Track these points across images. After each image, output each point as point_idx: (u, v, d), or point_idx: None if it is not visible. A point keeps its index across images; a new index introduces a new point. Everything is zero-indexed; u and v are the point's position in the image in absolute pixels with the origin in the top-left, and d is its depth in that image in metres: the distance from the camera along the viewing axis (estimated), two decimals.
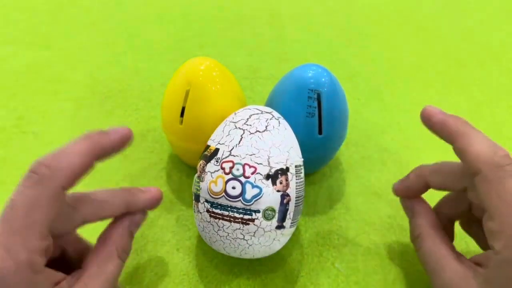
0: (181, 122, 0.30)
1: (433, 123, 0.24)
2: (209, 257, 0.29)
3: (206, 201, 0.25)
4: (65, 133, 0.37)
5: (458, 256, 0.24)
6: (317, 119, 0.29)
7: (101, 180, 0.33)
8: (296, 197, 0.25)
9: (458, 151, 0.23)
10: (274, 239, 0.25)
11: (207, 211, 0.25)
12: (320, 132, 0.29)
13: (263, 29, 0.52)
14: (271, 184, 0.24)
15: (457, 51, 0.50)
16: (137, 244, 0.29)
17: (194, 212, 0.27)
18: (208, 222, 0.25)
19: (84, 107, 0.40)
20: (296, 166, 0.26)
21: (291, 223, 0.25)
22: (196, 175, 0.27)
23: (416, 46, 0.51)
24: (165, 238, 0.30)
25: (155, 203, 0.25)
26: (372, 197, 0.34)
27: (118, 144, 0.23)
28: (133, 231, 0.24)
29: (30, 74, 0.43)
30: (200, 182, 0.26)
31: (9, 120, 0.38)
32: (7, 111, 0.39)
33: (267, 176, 0.24)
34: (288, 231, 0.26)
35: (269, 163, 0.24)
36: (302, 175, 0.26)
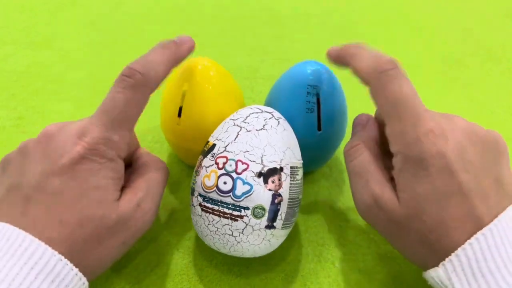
0: (179, 121, 0.30)
1: (330, 56, 0.27)
2: (209, 257, 0.29)
3: (199, 195, 0.25)
4: None
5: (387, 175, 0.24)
6: (316, 115, 0.29)
7: None
8: (289, 199, 0.25)
9: (353, 73, 0.25)
10: (263, 238, 0.25)
11: (199, 204, 0.25)
12: (319, 129, 0.29)
13: (263, 29, 0.52)
14: (262, 183, 0.24)
15: (457, 51, 0.50)
16: (137, 244, 0.29)
17: (190, 206, 0.27)
18: (200, 216, 0.25)
19: (84, 107, 0.40)
20: (292, 167, 0.26)
21: (283, 224, 0.25)
22: (194, 169, 0.27)
23: (416, 46, 0.51)
24: (165, 238, 0.30)
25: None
26: None
27: (187, 53, 0.26)
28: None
29: (30, 74, 0.43)
30: (196, 176, 0.26)
31: (9, 120, 0.38)
32: (7, 111, 0.39)
33: (259, 174, 0.24)
34: (279, 232, 0.25)
35: (262, 161, 0.25)
36: (299, 177, 0.26)
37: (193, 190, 0.26)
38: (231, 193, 0.24)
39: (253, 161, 0.25)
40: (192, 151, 0.30)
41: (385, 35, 0.52)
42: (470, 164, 0.21)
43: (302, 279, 0.28)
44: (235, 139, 0.25)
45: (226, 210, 0.24)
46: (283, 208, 0.25)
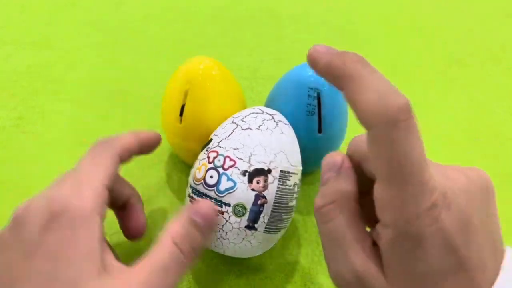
0: (181, 120, 0.30)
1: (319, 68, 0.19)
2: (209, 257, 0.29)
3: (190, 186, 0.26)
4: (65, 133, 0.37)
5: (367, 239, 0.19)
6: (317, 117, 0.29)
7: None
8: (276, 203, 0.25)
9: (348, 101, 0.18)
10: (243, 239, 0.25)
11: (189, 195, 0.26)
12: (320, 131, 0.29)
13: (263, 29, 0.52)
14: (246, 181, 0.24)
15: (457, 51, 0.50)
16: (137, 244, 0.29)
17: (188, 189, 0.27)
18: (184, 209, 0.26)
19: (84, 107, 0.40)
20: (282, 171, 0.25)
21: (266, 228, 0.25)
22: None
23: (416, 46, 0.51)
24: None
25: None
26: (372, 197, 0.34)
27: (151, 143, 0.26)
28: (198, 221, 0.22)
29: (30, 74, 0.43)
30: (192, 168, 0.27)
31: (9, 120, 0.38)
32: (7, 111, 0.39)
33: (244, 172, 0.24)
34: (261, 235, 0.25)
35: (249, 160, 0.25)
36: (291, 183, 0.26)
37: (188, 182, 0.27)
38: (215, 188, 0.24)
39: (241, 159, 0.25)
40: (192, 150, 0.30)
41: (385, 35, 0.52)
42: (472, 234, 0.17)
43: (302, 279, 0.28)
44: (229, 136, 0.26)
45: None
46: (267, 211, 0.25)
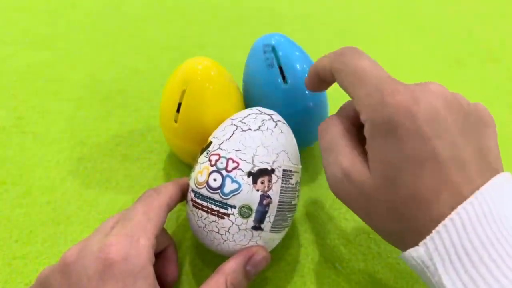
0: (176, 118, 0.30)
1: (307, 84, 0.27)
2: (209, 257, 0.29)
3: (192, 190, 0.26)
4: (65, 133, 0.37)
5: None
6: (277, 68, 0.31)
7: (101, 179, 0.33)
8: (280, 202, 0.25)
9: (321, 77, 0.25)
10: (250, 240, 0.25)
11: (191, 200, 0.26)
12: (284, 81, 0.31)
13: (263, 29, 0.52)
14: (251, 182, 0.24)
15: (457, 51, 0.50)
16: None
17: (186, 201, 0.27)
18: (191, 211, 0.26)
19: (84, 107, 0.40)
20: (285, 170, 0.25)
21: (272, 227, 0.25)
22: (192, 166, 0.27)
23: (416, 46, 0.51)
24: None
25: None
26: None
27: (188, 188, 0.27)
28: (250, 270, 0.24)
29: (30, 74, 0.43)
30: (192, 172, 0.27)
31: (9, 120, 0.38)
32: (7, 111, 0.39)
33: (249, 174, 0.24)
34: (267, 235, 0.25)
35: (253, 161, 0.25)
36: (293, 181, 0.26)
37: (188, 186, 0.27)
38: (219, 190, 0.24)
39: (244, 160, 0.25)
40: (189, 150, 0.30)
41: (385, 35, 0.52)
42: (445, 131, 0.19)
43: (302, 279, 0.28)
44: (229, 138, 0.26)
45: (214, 207, 0.24)
46: (272, 211, 0.25)
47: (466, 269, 0.18)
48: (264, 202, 0.24)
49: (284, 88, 0.31)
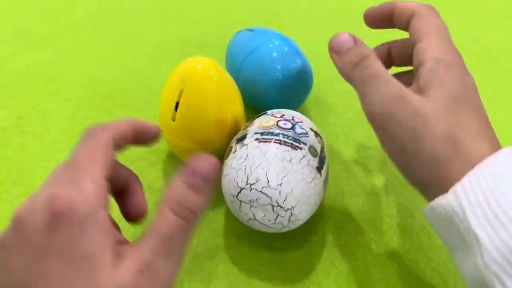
0: (174, 116, 0.30)
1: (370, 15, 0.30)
2: (209, 257, 0.29)
3: (255, 133, 0.28)
4: (65, 133, 0.37)
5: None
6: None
7: None
8: (327, 163, 0.29)
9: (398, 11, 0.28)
10: (313, 179, 0.26)
11: (256, 139, 0.27)
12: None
13: None
14: (314, 135, 0.28)
15: None
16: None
17: (230, 154, 0.27)
18: (255, 148, 0.26)
19: (84, 107, 0.40)
20: (323, 149, 0.29)
21: (324, 180, 0.28)
22: (241, 131, 0.30)
23: None
24: None
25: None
26: (372, 197, 0.34)
27: (148, 134, 0.24)
28: (194, 181, 0.20)
29: (30, 74, 0.43)
30: (247, 128, 0.29)
31: (9, 120, 0.38)
32: (7, 111, 0.39)
33: (311, 129, 0.29)
34: (321, 185, 0.27)
35: (311, 125, 0.30)
36: (326, 156, 0.30)
37: (243, 138, 0.28)
38: (292, 130, 0.28)
39: (305, 121, 0.29)
40: (187, 148, 0.30)
41: (385, 35, 0.52)
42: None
43: (302, 279, 0.28)
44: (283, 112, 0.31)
45: (287, 140, 0.26)
46: (326, 165, 0.28)
47: (495, 213, 0.19)
48: (322, 153, 0.28)
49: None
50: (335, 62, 0.26)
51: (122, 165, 0.25)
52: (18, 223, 0.18)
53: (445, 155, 0.21)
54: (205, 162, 0.20)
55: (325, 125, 0.39)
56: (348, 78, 0.25)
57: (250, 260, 0.29)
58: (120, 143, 0.22)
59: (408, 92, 0.23)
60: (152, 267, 0.18)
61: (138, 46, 0.48)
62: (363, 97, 0.24)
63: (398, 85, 0.23)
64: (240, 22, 0.53)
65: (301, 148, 0.26)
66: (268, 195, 0.25)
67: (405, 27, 0.28)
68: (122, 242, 0.19)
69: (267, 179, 0.25)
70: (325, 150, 0.29)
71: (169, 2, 0.55)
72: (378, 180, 0.35)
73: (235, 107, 0.31)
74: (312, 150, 0.27)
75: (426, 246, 0.30)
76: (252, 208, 0.26)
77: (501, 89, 0.45)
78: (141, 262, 0.18)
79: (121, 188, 0.25)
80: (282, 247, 0.30)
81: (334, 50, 0.26)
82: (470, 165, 0.20)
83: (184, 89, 0.29)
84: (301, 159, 0.26)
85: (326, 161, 0.29)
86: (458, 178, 0.20)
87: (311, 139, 0.28)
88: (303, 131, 0.28)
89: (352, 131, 0.39)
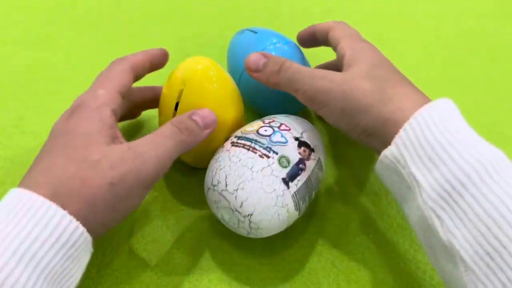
0: (174, 116, 0.29)
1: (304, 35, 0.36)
2: (209, 257, 0.29)
3: (235, 137, 0.28)
4: None
5: None
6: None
7: None
8: (309, 177, 0.27)
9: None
10: (274, 190, 0.25)
11: (231, 142, 0.28)
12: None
13: None
14: (296, 145, 0.27)
15: (457, 51, 0.50)
16: (137, 244, 0.29)
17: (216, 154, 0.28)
18: (226, 151, 0.27)
19: None
20: (320, 160, 0.29)
21: (295, 194, 0.26)
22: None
23: (416, 46, 0.50)
24: (165, 238, 0.30)
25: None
26: (372, 197, 0.34)
27: (160, 58, 0.31)
28: (195, 119, 0.27)
29: (30, 74, 0.43)
30: (239, 131, 0.29)
31: (9, 120, 0.38)
32: (7, 111, 0.39)
33: (296, 138, 0.28)
34: (289, 199, 0.25)
35: (301, 134, 0.28)
36: (320, 176, 0.29)
37: (228, 139, 0.29)
38: (268, 137, 0.27)
39: (295, 129, 0.28)
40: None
41: (385, 35, 0.52)
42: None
43: (302, 279, 0.28)
44: (282, 118, 0.30)
45: (257, 147, 0.26)
46: (302, 178, 0.26)
47: (429, 156, 0.22)
48: (301, 165, 0.27)
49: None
50: (258, 79, 0.30)
51: (141, 88, 0.34)
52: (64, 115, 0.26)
53: (376, 101, 0.25)
54: (205, 110, 0.27)
55: (326, 126, 0.39)
56: (275, 85, 0.29)
57: (250, 260, 0.29)
58: (138, 70, 0.29)
59: (332, 71, 0.28)
60: (138, 148, 0.23)
61: (138, 46, 0.47)
62: (296, 91, 0.28)
63: (321, 69, 0.29)
64: (240, 22, 0.53)
65: (268, 157, 0.26)
66: (227, 199, 0.26)
67: (325, 40, 0.33)
68: (120, 138, 0.25)
69: (226, 182, 0.26)
70: (315, 163, 0.28)
71: (169, 2, 0.55)
72: (378, 180, 0.35)
73: (235, 107, 0.31)
74: (282, 160, 0.26)
75: None
76: (218, 208, 0.27)
77: (501, 89, 0.45)
78: (131, 145, 0.24)
79: (151, 100, 0.34)
80: (282, 247, 0.30)
81: (252, 69, 0.30)
82: (404, 117, 0.24)
83: (184, 89, 0.29)
84: (264, 168, 0.25)
85: (307, 174, 0.27)
86: (395, 121, 0.24)
87: (288, 149, 0.27)
88: (282, 140, 0.27)
89: None
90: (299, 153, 0.27)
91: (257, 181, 0.25)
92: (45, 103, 0.40)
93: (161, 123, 0.32)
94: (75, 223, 0.20)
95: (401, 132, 0.23)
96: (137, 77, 0.29)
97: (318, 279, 0.28)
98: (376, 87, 0.26)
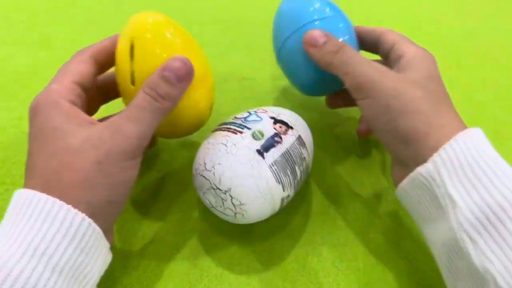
0: (133, 80, 0.26)
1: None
2: (209, 257, 0.29)
3: (219, 124, 0.29)
4: None
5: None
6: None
7: None
8: (288, 150, 0.27)
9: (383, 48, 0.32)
10: (250, 161, 0.26)
11: (214, 130, 0.29)
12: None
13: (263, 29, 0.52)
14: (272, 123, 0.28)
15: (457, 51, 0.50)
16: (138, 244, 0.29)
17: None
18: (207, 138, 0.28)
19: None
20: (301, 137, 0.29)
21: (272, 164, 0.26)
22: None
23: None
24: (165, 238, 0.30)
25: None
26: (372, 197, 0.34)
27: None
28: (167, 75, 0.24)
29: (30, 74, 0.43)
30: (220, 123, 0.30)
31: (9, 120, 0.38)
32: (7, 111, 0.39)
33: (272, 117, 0.29)
34: (265, 170, 0.26)
35: (278, 115, 0.29)
36: (303, 155, 0.29)
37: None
38: (243, 118, 0.28)
39: (272, 111, 0.30)
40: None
41: None
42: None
43: (302, 278, 0.28)
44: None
45: (231, 127, 0.28)
46: (279, 150, 0.27)
47: (469, 178, 0.22)
48: (276, 138, 0.27)
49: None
50: (313, 54, 0.30)
51: (111, 73, 0.30)
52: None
53: (425, 111, 0.25)
54: (177, 60, 0.25)
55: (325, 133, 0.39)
56: (327, 64, 0.29)
57: (250, 260, 0.29)
58: (100, 56, 0.28)
59: (388, 67, 0.28)
60: (117, 124, 0.23)
61: None
62: (346, 74, 0.28)
63: (377, 62, 0.28)
64: (240, 22, 0.53)
65: (242, 132, 0.27)
66: (207, 178, 0.26)
67: (372, 42, 0.33)
68: (92, 121, 0.24)
69: (205, 162, 0.27)
70: (295, 139, 0.28)
71: (169, 2, 0.55)
72: (378, 180, 0.35)
73: (200, 61, 0.27)
74: (255, 134, 0.27)
75: (426, 246, 0.30)
76: (204, 194, 0.27)
77: (501, 89, 0.45)
78: (108, 122, 0.23)
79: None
80: (282, 247, 0.30)
81: (311, 43, 0.30)
82: (444, 136, 0.23)
83: (136, 53, 0.26)
84: (238, 142, 0.26)
85: (285, 147, 0.27)
86: (436, 138, 0.24)
87: (262, 124, 0.28)
88: (257, 118, 0.28)
89: (352, 132, 0.39)
90: (274, 128, 0.28)
91: (231, 154, 0.26)
92: None
93: (122, 93, 0.28)
94: (81, 215, 0.21)
95: (441, 151, 0.23)
96: (104, 64, 0.28)
97: (318, 279, 0.28)
98: (428, 98, 0.25)
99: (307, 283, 0.28)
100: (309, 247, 0.30)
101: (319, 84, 0.33)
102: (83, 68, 0.26)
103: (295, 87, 0.36)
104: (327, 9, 0.32)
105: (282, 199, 0.27)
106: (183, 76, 0.25)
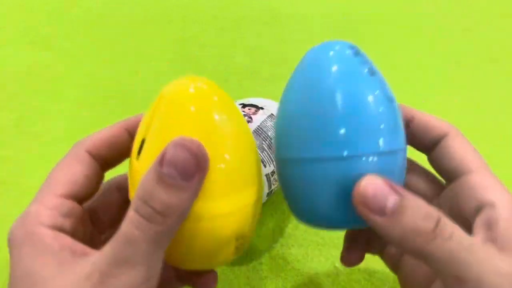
0: (138, 158, 0.19)
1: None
2: None
3: None
4: (65, 133, 0.37)
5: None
6: (380, 76, 0.21)
7: None
8: (259, 127, 0.28)
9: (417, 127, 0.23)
10: None
11: None
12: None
13: (263, 29, 0.52)
14: (240, 107, 0.30)
15: (457, 51, 0.50)
16: None
17: None
18: None
19: (84, 107, 0.40)
20: (272, 114, 0.30)
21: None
22: None
23: (416, 47, 0.51)
24: None
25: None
26: None
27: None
28: (168, 172, 0.16)
29: (30, 74, 0.43)
30: None
31: (9, 120, 0.38)
32: (7, 111, 0.39)
33: (241, 103, 0.30)
34: None
35: (248, 101, 0.31)
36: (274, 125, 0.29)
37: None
38: None
39: (247, 100, 0.30)
40: None
41: (385, 35, 0.52)
42: None
43: (302, 279, 0.28)
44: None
45: None
46: (250, 127, 0.28)
47: None
48: (246, 118, 0.28)
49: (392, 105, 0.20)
50: (381, 226, 0.16)
51: (91, 177, 0.22)
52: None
53: None
54: (182, 147, 0.15)
55: None
56: (415, 250, 0.16)
57: (250, 260, 0.29)
58: (101, 151, 0.22)
59: (494, 251, 0.17)
60: (103, 272, 0.16)
61: (138, 46, 0.48)
62: (459, 281, 0.16)
63: (481, 245, 0.17)
64: (240, 22, 0.53)
65: None
66: None
67: (427, 142, 0.22)
68: (80, 251, 0.18)
69: None
70: (266, 117, 0.29)
71: (169, 2, 0.55)
72: None
73: (250, 151, 0.19)
74: None
75: None
76: None
77: (501, 89, 0.45)
78: (92, 269, 0.16)
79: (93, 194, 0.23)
80: (282, 247, 0.30)
81: (374, 209, 0.16)
82: None
83: (153, 118, 0.19)
84: None
85: (255, 124, 0.28)
86: None
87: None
88: None
89: None
90: (243, 111, 0.29)
91: None
92: (45, 103, 0.40)
93: (130, 171, 0.20)
94: None
95: None
96: (108, 157, 0.22)
97: (318, 279, 0.28)
98: None
99: (307, 283, 0.28)
100: (309, 247, 0.30)
101: (339, 220, 0.20)
102: (76, 170, 0.20)
103: (297, 215, 0.21)
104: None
105: (267, 176, 0.28)
106: (191, 170, 0.16)
